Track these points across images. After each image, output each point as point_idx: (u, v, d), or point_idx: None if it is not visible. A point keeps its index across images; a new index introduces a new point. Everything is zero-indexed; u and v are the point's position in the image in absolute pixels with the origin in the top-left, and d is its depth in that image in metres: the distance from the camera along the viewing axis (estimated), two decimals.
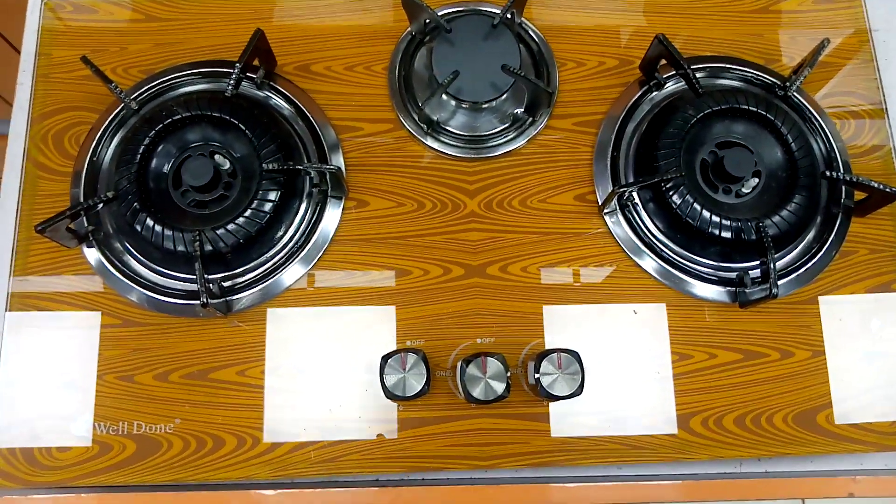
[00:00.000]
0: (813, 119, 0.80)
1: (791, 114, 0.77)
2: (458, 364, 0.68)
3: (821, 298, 0.76)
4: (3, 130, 0.79)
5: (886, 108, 0.83)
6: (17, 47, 0.83)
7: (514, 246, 0.76)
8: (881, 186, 0.71)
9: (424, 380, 0.67)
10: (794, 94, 0.80)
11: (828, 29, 0.84)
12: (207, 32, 0.82)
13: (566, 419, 0.72)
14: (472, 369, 0.67)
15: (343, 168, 0.77)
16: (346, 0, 0.84)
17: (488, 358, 0.67)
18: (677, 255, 0.76)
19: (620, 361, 0.73)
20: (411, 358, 0.67)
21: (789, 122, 0.76)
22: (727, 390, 0.73)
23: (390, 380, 0.66)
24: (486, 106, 0.78)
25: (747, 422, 0.72)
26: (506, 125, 0.79)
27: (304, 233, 0.75)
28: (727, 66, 0.83)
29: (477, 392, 0.67)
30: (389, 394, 0.66)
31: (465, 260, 0.75)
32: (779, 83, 0.81)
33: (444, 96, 0.78)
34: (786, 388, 0.73)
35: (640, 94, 0.81)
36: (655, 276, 0.75)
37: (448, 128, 0.79)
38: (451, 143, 0.79)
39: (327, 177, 0.74)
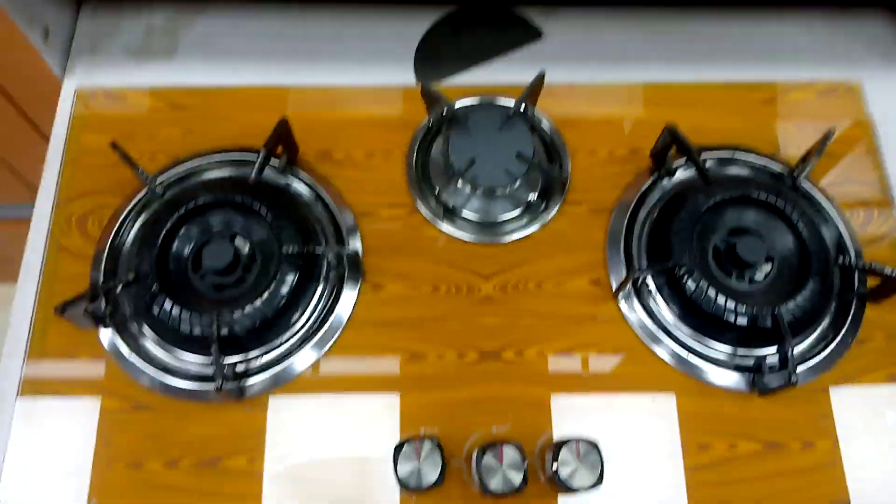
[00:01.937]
0: (822, 207, 0.81)
1: (800, 202, 0.77)
2: (474, 452, 0.66)
3: (832, 389, 0.74)
4: (26, 215, 0.79)
5: (893, 197, 0.83)
6: (47, 134, 0.85)
7: (530, 330, 0.75)
8: (893, 273, 0.71)
9: (439, 470, 0.64)
10: (803, 182, 0.80)
11: (831, 120, 0.86)
12: (233, 121, 0.84)
13: None
14: (488, 458, 0.65)
15: (360, 251, 0.77)
16: (367, 92, 0.86)
17: (505, 446, 0.65)
18: (693, 340, 0.75)
19: (635, 451, 0.71)
20: (427, 446, 0.65)
21: (799, 210, 0.76)
22: (746, 483, 0.71)
23: (404, 469, 0.64)
24: (500, 193, 0.79)
25: None
26: (520, 211, 0.80)
27: (319, 316, 0.74)
28: (735, 154, 0.84)
29: (494, 483, 0.64)
30: (403, 484, 0.64)
31: (481, 344, 0.74)
32: (787, 172, 0.82)
33: (460, 184, 0.79)
34: (807, 482, 0.71)
35: (650, 181, 0.82)
36: (671, 362, 0.74)
37: (463, 213, 0.79)
38: (467, 228, 0.79)
39: (344, 260, 0.74)
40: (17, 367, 0.72)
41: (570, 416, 0.72)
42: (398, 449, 0.65)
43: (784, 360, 0.71)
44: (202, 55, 0.90)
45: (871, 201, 0.83)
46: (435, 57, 0.91)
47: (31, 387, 0.72)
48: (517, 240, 0.79)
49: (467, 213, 0.80)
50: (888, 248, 0.81)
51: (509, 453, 0.65)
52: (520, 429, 0.71)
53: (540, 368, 0.74)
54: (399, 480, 0.64)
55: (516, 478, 0.64)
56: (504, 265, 0.78)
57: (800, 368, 0.74)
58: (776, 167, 0.83)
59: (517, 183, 0.78)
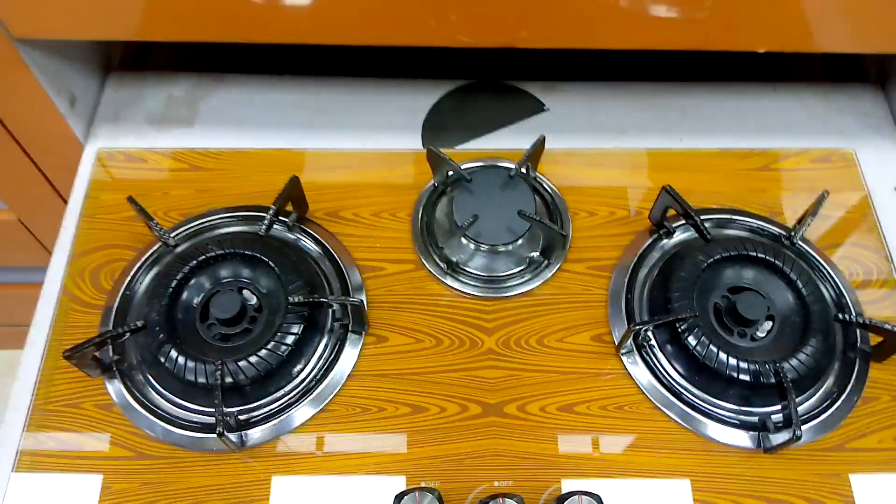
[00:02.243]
0: (821, 267, 0.82)
1: (799, 260, 0.79)
2: None
3: (839, 448, 0.73)
4: (40, 279, 0.82)
5: (891, 256, 0.84)
6: (67, 198, 0.88)
7: (532, 385, 0.75)
8: (894, 328, 0.71)
9: None
10: (800, 242, 0.82)
11: (826, 185, 0.88)
12: (246, 181, 0.87)
13: None
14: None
15: (365, 302, 0.78)
16: (377, 156, 0.90)
17: (506, 499, 0.64)
18: (697, 398, 0.74)
19: None
20: (426, 498, 0.64)
21: (798, 268, 0.77)
22: None
23: None
24: (503, 249, 0.81)
25: None
26: (522, 268, 0.82)
27: (323, 367, 0.75)
28: (733, 217, 0.86)
29: None
30: None
31: (483, 398, 0.74)
32: (784, 233, 0.83)
33: (463, 240, 0.81)
34: None
35: (650, 241, 0.84)
36: (676, 418, 0.74)
37: (467, 269, 0.81)
38: (470, 282, 0.81)
39: (349, 311, 0.76)
40: (14, 439, 0.72)
41: (575, 471, 0.71)
42: (398, 498, 0.64)
43: (788, 417, 0.70)
44: (220, 123, 0.94)
45: (870, 262, 0.84)
46: (442, 126, 0.95)
47: (29, 461, 0.71)
48: (519, 296, 0.80)
49: (471, 269, 0.81)
50: (889, 309, 0.81)
51: None
52: (523, 484, 0.70)
53: (543, 423, 0.73)
54: None
55: None
56: (506, 320, 0.79)
57: (805, 427, 0.73)
58: (773, 229, 0.85)
59: (519, 240, 0.80)
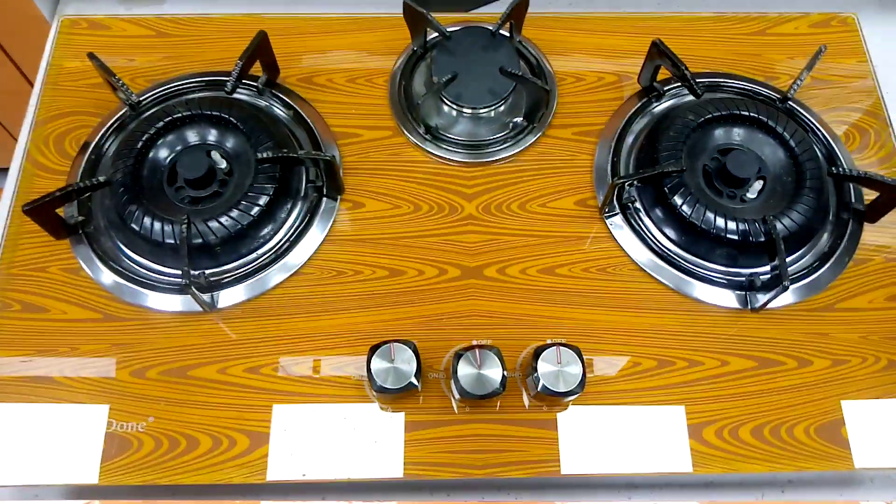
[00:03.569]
0: (814, 127, 0.79)
1: (791, 119, 0.75)
2: (451, 357, 0.63)
3: (828, 308, 0.70)
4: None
5: (890, 121, 0.81)
6: (32, 80, 0.84)
7: (513, 249, 0.73)
8: (890, 181, 0.68)
9: (415, 370, 0.61)
10: (793, 104, 0.78)
11: (829, 49, 0.84)
12: (215, 47, 0.83)
13: (570, 426, 0.65)
14: (464, 362, 0.62)
15: (339, 158, 0.75)
16: (353, 20, 0.85)
17: (482, 350, 0.62)
18: (683, 259, 0.72)
19: (621, 365, 0.68)
20: (401, 349, 0.62)
21: (791, 126, 0.74)
22: (742, 399, 0.67)
23: (378, 370, 0.62)
24: (484, 113, 0.78)
25: (766, 433, 0.66)
26: (505, 133, 0.78)
27: (296, 230, 0.72)
28: (726, 80, 0.82)
29: (470, 386, 0.61)
30: (376, 385, 0.61)
31: (462, 261, 0.72)
32: (778, 96, 0.80)
33: (444, 105, 0.77)
34: (805, 399, 0.67)
35: (639, 105, 0.80)
36: (660, 278, 0.71)
37: (447, 135, 0.78)
38: (450, 148, 0.77)
39: (322, 170, 0.73)
40: None
41: (556, 331, 0.69)
42: (373, 350, 0.62)
43: (776, 274, 0.68)
44: None
45: (868, 126, 0.81)
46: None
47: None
48: (501, 161, 0.77)
49: (451, 135, 0.78)
50: (886, 174, 0.78)
51: (487, 357, 0.62)
52: (502, 343, 0.68)
53: (523, 285, 0.71)
54: (372, 381, 0.61)
55: (494, 380, 0.61)
56: (488, 186, 0.76)
57: (794, 286, 0.71)
58: (767, 91, 0.81)
59: (501, 102, 0.76)
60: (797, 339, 0.70)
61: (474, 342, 0.68)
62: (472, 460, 0.65)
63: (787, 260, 0.71)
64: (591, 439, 0.65)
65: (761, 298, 0.69)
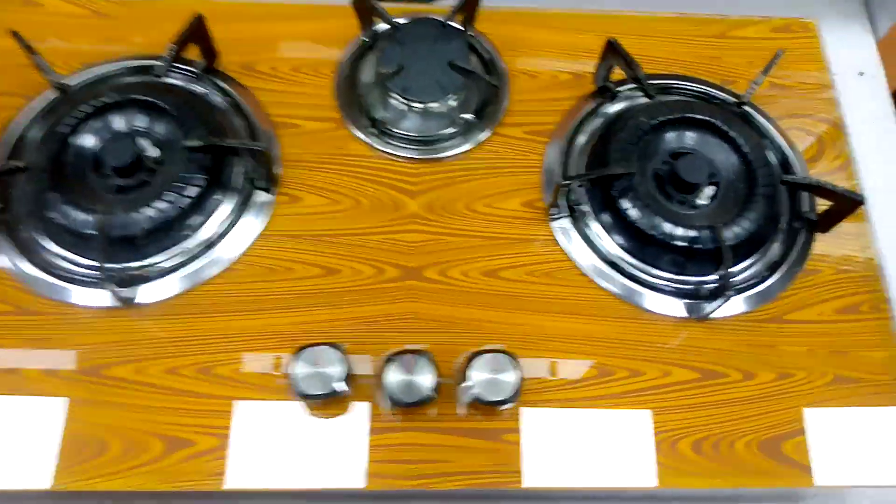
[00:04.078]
0: (770, 134, 0.77)
1: (745, 124, 0.73)
2: (382, 362, 0.61)
3: (777, 320, 0.69)
4: None
5: (847, 130, 0.79)
6: None
7: (456, 249, 0.70)
8: (843, 191, 0.66)
9: (344, 376, 0.59)
10: (749, 108, 0.77)
11: (786, 56, 0.82)
12: (153, 30, 0.79)
13: (502, 434, 0.63)
14: (395, 367, 0.60)
15: (277, 153, 0.72)
16: (299, 8, 0.82)
17: (414, 355, 0.60)
18: (630, 265, 0.70)
19: (565, 376, 0.66)
20: (327, 353, 0.60)
21: (745, 131, 0.72)
22: (684, 411, 0.65)
23: (300, 374, 0.59)
24: (433, 108, 0.75)
25: (706, 447, 0.64)
26: (453, 130, 0.76)
27: (227, 225, 0.69)
28: (682, 83, 0.80)
29: (402, 393, 0.59)
30: (298, 390, 0.58)
31: (402, 261, 0.69)
32: (734, 100, 0.78)
33: (392, 99, 0.75)
34: (748, 412, 0.65)
35: (593, 106, 0.78)
36: (604, 285, 0.69)
37: (394, 129, 0.75)
38: (396, 143, 0.75)
39: (257, 166, 0.69)
40: None
41: (496, 336, 0.67)
42: (298, 352, 0.60)
43: (723, 282, 0.66)
44: None
45: (824, 134, 0.79)
46: None
47: None
48: (448, 159, 0.75)
49: (398, 130, 0.75)
50: (842, 184, 0.76)
51: (419, 362, 0.60)
52: (439, 348, 0.66)
53: (465, 288, 0.69)
54: (294, 385, 0.58)
55: (425, 387, 0.59)
56: (433, 184, 0.73)
57: (743, 296, 0.69)
58: (723, 95, 0.79)
59: (450, 97, 0.74)
60: (743, 351, 0.68)
61: (407, 347, 0.65)
62: (404, 471, 0.62)
63: (737, 268, 0.69)
64: (528, 447, 0.63)
65: (706, 307, 0.68)
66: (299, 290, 0.67)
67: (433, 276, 0.69)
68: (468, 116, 0.76)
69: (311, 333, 0.65)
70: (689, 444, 0.64)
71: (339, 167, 0.74)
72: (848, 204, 0.66)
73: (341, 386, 0.59)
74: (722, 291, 0.66)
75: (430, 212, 0.72)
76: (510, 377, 0.60)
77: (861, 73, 0.86)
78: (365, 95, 0.76)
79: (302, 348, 0.60)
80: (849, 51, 0.87)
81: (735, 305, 0.69)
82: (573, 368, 0.66)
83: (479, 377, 0.60)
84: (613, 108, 0.78)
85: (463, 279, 0.69)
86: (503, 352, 0.61)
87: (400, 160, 0.74)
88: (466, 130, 0.76)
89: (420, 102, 0.74)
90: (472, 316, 0.68)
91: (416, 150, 0.75)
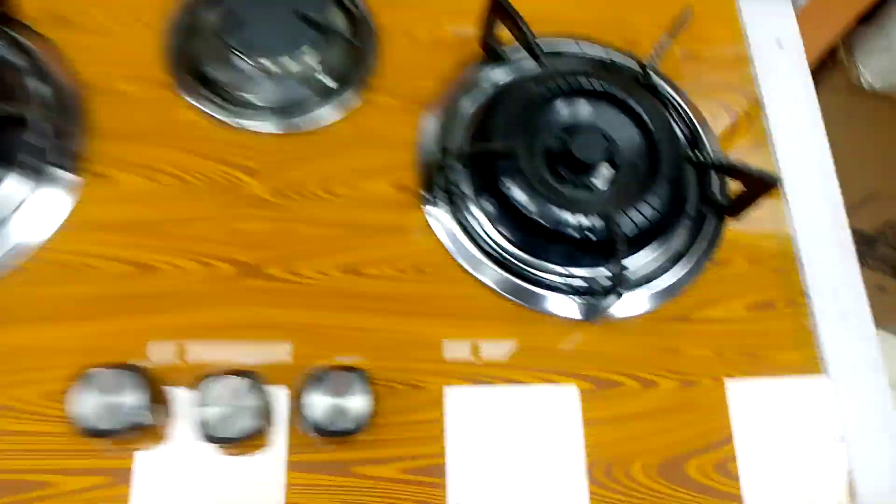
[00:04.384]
0: (677, 105, 0.68)
1: (649, 95, 0.64)
2: (199, 388, 0.49)
3: (681, 318, 0.60)
4: None
5: (763, 102, 0.71)
6: None
7: (308, 241, 0.59)
8: (758, 172, 0.58)
9: (143, 405, 0.46)
10: (655, 77, 0.67)
11: (699, 19, 0.73)
12: None
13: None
14: (206, 391, 0.48)
15: (77, 119, 0.58)
16: None
17: (236, 378, 0.48)
18: (515, 258, 0.60)
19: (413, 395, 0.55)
20: (120, 377, 0.47)
21: (649, 103, 0.63)
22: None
23: (85, 405, 0.46)
24: (284, 70, 0.63)
25: (596, 474, 0.54)
26: (309, 98, 0.63)
27: (11, 211, 0.55)
28: (581, 45, 0.70)
29: (218, 425, 0.47)
30: (82, 427, 0.46)
31: (239, 256, 0.57)
32: (639, 68, 0.68)
33: (232, 55, 0.62)
34: (647, 430, 0.56)
35: (478, 72, 0.67)
36: (485, 280, 0.59)
37: (234, 93, 0.62)
38: (237, 111, 0.62)
39: (56, 139, 0.56)
40: None
41: (355, 346, 0.55)
42: (82, 379, 0.47)
43: (617, 277, 0.56)
44: None
45: (738, 107, 0.71)
46: None
47: None
48: (303, 132, 0.63)
49: (241, 96, 0.62)
50: (757, 161, 0.68)
51: (242, 386, 0.48)
52: (284, 365, 0.54)
53: (317, 288, 0.57)
54: (77, 420, 0.45)
55: (242, 419, 0.47)
56: (282, 162, 0.61)
57: (643, 292, 0.60)
58: (627, 62, 0.70)
59: (303, 54, 0.62)
60: (642, 356, 0.59)
61: (236, 367, 0.53)
62: None
63: (635, 260, 0.60)
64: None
65: (599, 306, 0.58)
66: (105, 293, 0.55)
67: (278, 274, 0.57)
68: (328, 81, 0.64)
69: (116, 349, 0.53)
70: (577, 473, 0.54)
71: (165, 140, 0.61)
72: (762, 186, 0.58)
73: (141, 417, 0.46)
74: (615, 288, 0.56)
75: (277, 195, 0.60)
76: (358, 403, 0.48)
77: (779, 43, 0.78)
78: (201, 53, 0.63)
79: (90, 371, 0.47)
80: (766, 18, 0.79)
81: (634, 303, 0.60)
82: (440, 382, 0.55)
83: (320, 401, 0.49)
84: (501, 74, 0.67)
85: (316, 277, 0.58)
86: (352, 368, 0.49)
87: (241, 131, 0.62)
88: (326, 97, 0.64)
89: (265, 61, 0.61)
90: (329, 322, 0.56)
91: (262, 119, 0.62)
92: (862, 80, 1.08)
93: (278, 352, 0.55)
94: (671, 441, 0.56)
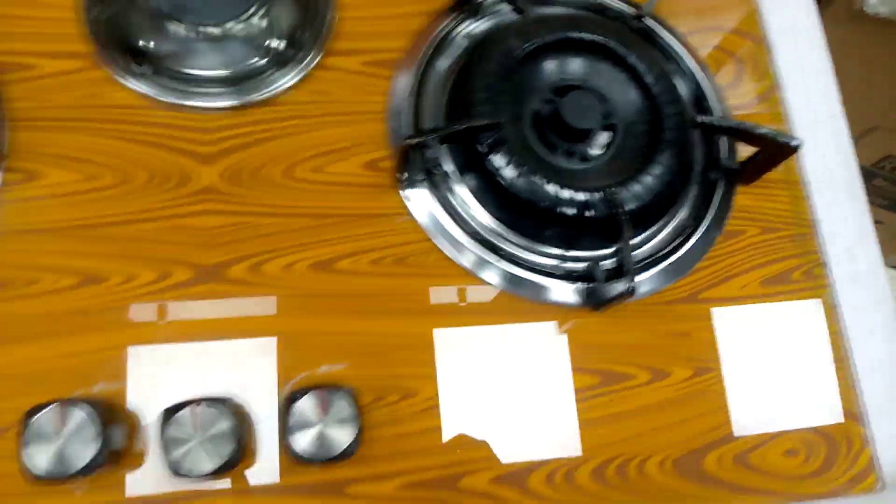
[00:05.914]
0: (677, 55, 0.65)
1: (648, 46, 0.61)
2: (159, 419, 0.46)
3: (692, 300, 0.59)
4: None
5: (769, 44, 0.68)
6: None
7: (273, 236, 0.55)
8: (775, 135, 0.55)
9: (96, 449, 0.44)
10: (652, 22, 0.64)
11: None
12: None
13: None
14: (174, 426, 0.45)
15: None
16: None
17: (207, 405, 0.45)
18: (506, 241, 0.57)
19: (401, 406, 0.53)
20: (73, 415, 0.44)
21: (647, 55, 0.59)
22: (580, 429, 0.54)
23: (35, 453, 0.43)
24: (224, 34, 0.58)
25: (608, 474, 0.54)
26: (259, 64, 0.59)
27: None
28: None
29: (191, 463, 0.45)
30: (32, 474, 0.43)
31: (194, 257, 0.54)
32: (632, 12, 0.65)
33: (164, 21, 0.57)
34: (662, 422, 0.56)
35: (451, 24, 0.63)
36: (472, 268, 0.56)
37: (171, 66, 0.57)
38: (177, 87, 0.57)
39: None
40: None
41: (334, 355, 0.53)
42: (27, 418, 0.44)
43: (623, 260, 0.54)
44: None
45: (744, 55, 0.68)
46: None
47: None
48: (256, 107, 0.58)
49: (178, 67, 0.58)
50: (764, 114, 0.66)
51: (208, 415, 0.45)
52: (244, 379, 0.51)
53: (286, 290, 0.54)
54: (26, 469, 0.42)
55: (210, 457, 0.45)
56: (235, 143, 0.57)
57: (650, 272, 0.59)
58: (619, 5, 0.66)
59: (248, 13, 0.57)
60: (651, 344, 0.58)
61: (199, 392, 0.51)
62: None
63: (641, 238, 0.58)
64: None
65: (603, 293, 0.56)
66: (43, 310, 0.51)
67: (242, 276, 0.54)
68: (277, 43, 0.59)
69: (63, 374, 0.49)
70: (588, 473, 0.54)
71: (94, 125, 0.56)
72: (780, 150, 0.55)
73: (95, 458, 0.44)
74: (622, 272, 0.55)
75: (232, 183, 0.56)
76: (344, 428, 0.46)
77: None
78: (127, 18, 0.57)
79: (33, 410, 0.44)
80: None
81: (639, 285, 0.58)
82: (434, 387, 0.53)
83: (304, 432, 0.46)
84: (478, 26, 0.63)
85: (286, 277, 0.55)
86: (335, 387, 0.47)
87: (185, 111, 0.57)
88: (279, 64, 0.59)
89: (203, 26, 0.56)
90: (302, 328, 0.54)
91: (206, 95, 0.57)
92: (865, 6, 1.06)
93: (253, 368, 0.52)
94: (690, 434, 0.55)
